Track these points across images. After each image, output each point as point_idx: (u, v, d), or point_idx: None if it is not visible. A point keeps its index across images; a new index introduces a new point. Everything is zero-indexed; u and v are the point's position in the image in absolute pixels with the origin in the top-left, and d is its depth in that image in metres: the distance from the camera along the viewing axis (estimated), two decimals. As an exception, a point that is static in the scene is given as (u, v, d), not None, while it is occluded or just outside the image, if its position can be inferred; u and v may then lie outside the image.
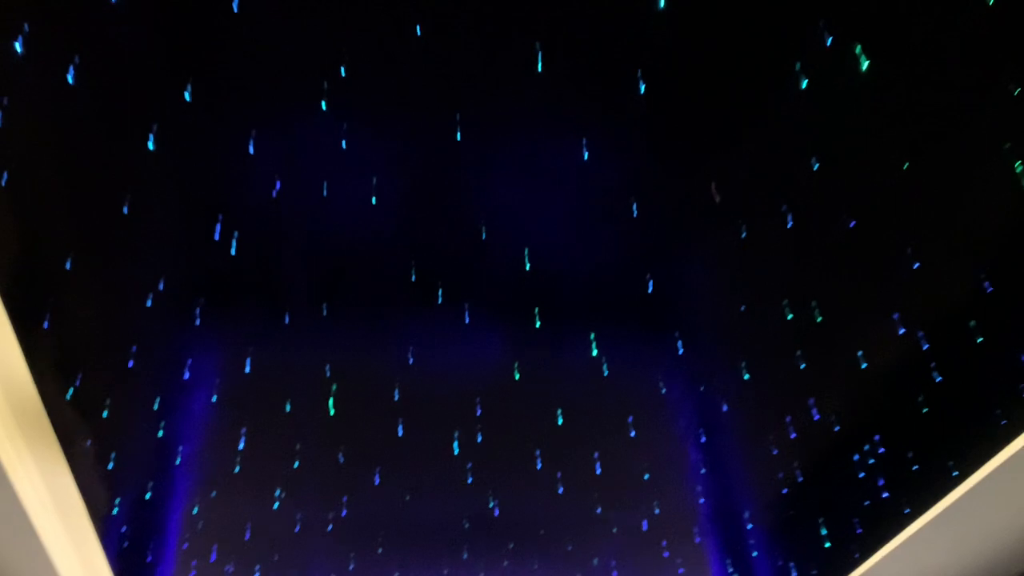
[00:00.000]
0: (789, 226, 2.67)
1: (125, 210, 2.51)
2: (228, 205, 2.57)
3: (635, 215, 2.66)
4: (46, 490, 3.65)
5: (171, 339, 2.99)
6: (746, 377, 3.31)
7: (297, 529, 4.10)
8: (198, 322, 2.92)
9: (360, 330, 3.08)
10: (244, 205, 2.57)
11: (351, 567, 4.47)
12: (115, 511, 3.78)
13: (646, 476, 3.91)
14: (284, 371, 3.19)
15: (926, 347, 3.13)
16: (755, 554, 4.66)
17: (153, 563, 4.25)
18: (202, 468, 3.64)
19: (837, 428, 3.61)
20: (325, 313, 2.94)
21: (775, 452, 3.76)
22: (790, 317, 3.02)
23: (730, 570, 4.87)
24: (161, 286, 2.77)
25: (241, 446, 3.44)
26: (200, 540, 4.14)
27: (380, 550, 4.35)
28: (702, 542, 4.54)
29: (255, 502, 3.86)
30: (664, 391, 3.39)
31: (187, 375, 3.05)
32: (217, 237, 2.63)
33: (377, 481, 3.79)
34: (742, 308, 2.98)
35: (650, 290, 2.89)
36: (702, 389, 3.38)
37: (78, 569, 4.41)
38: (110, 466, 3.48)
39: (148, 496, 3.71)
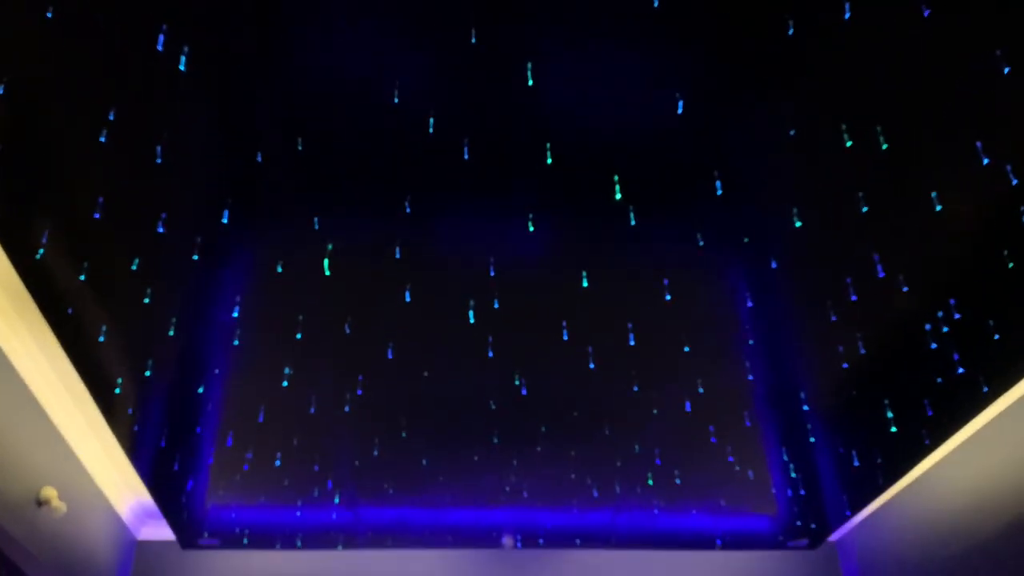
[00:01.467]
0: (846, 16, 2.17)
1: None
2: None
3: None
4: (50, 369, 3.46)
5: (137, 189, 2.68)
6: (797, 224, 2.85)
7: (312, 410, 3.84)
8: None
9: (347, 186, 2.71)
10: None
11: (375, 452, 4.22)
12: (117, 390, 3.56)
13: (686, 348, 3.52)
14: (269, 227, 2.86)
15: (1015, 183, 2.63)
16: (812, 440, 4.26)
17: (168, 448, 4.07)
18: (199, 343, 3.37)
19: (905, 289, 3.14)
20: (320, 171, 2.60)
21: (833, 319, 3.32)
22: (849, 145, 2.54)
23: (784, 458, 4.49)
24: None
25: (235, 313, 3.15)
26: (212, 423, 3.92)
27: (404, 434, 4.08)
28: (753, 426, 4.15)
29: (262, 380, 3.60)
30: (702, 244, 2.96)
31: (161, 228, 2.74)
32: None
33: (390, 355, 3.48)
34: (791, 133, 2.51)
35: (679, 111, 2.43)
36: (746, 241, 2.94)
37: (98, 451, 4.26)
38: (101, 339, 3.23)
39: (148, 373, 3.48)
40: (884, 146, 2.52)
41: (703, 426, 4.15)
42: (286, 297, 3.12)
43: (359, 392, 3.72)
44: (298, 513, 4.90)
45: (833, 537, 5.83)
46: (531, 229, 2.86)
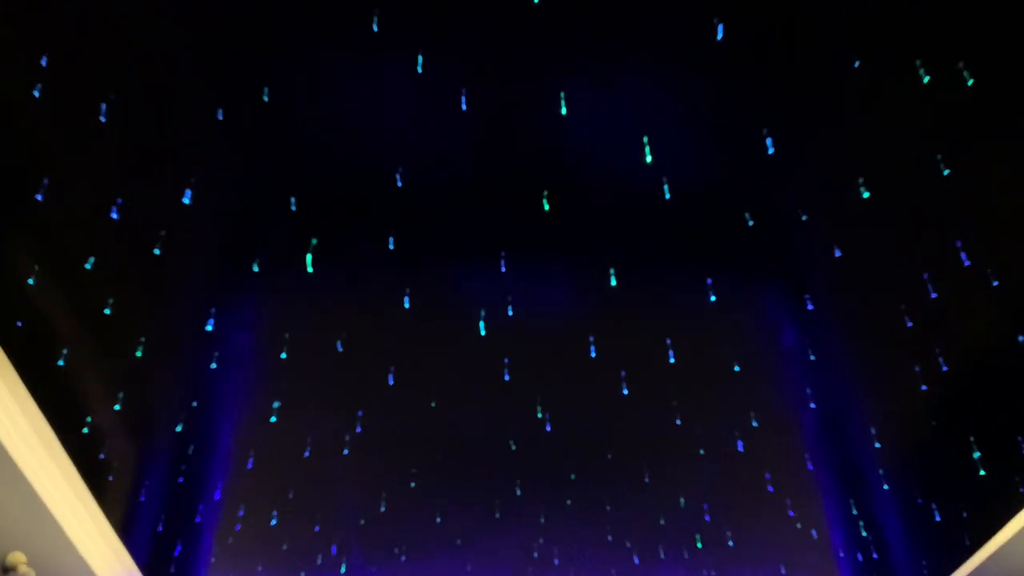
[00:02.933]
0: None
1: None
2: None
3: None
4: None
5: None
6: (865, 195, 2.39)
7: (307, 454, 3.36)
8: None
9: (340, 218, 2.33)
10: None
11: (382, 508, 3.71)
12: (85, 430, 3.13)
13: (736, 367, 3.01)
14: (247, 211, 2.46)
15: None
16: (885, 487, 3.67)
17: (147, 504, 3.60)
18: (172, 370, 2.95)
19: (996, 283, 2.64)
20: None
21: (909, 324, 2.81)
22: (926, 80, 2.10)
23: (853, 511, 3.88)
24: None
25: (209, 327, 2.73)
26: (197, 472, 3.45)
27: (413, 484, 3.57)
28: (816, 471, 3.58)
29: (246, 412, 3.14)
30: (751, 224, 2.50)
31: (116, 214, 2.36)
32: None
33: (392, 381, 3.02)
34: (855, 64, 2.08)
35: (719, 36, 2.03)
36: (804, 219, 2.48)
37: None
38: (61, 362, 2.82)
39: (117, 408, 3.05)
40: (970, 82, 2.07)
41: (758, 471, 3.59)
42: (267, 297, 2.70)
43: (358, 429, 3.24)
44: (301, 585, 4.35)
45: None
46: (546, 208, 2.43)
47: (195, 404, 3.07)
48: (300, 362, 2.93)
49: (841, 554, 4.19)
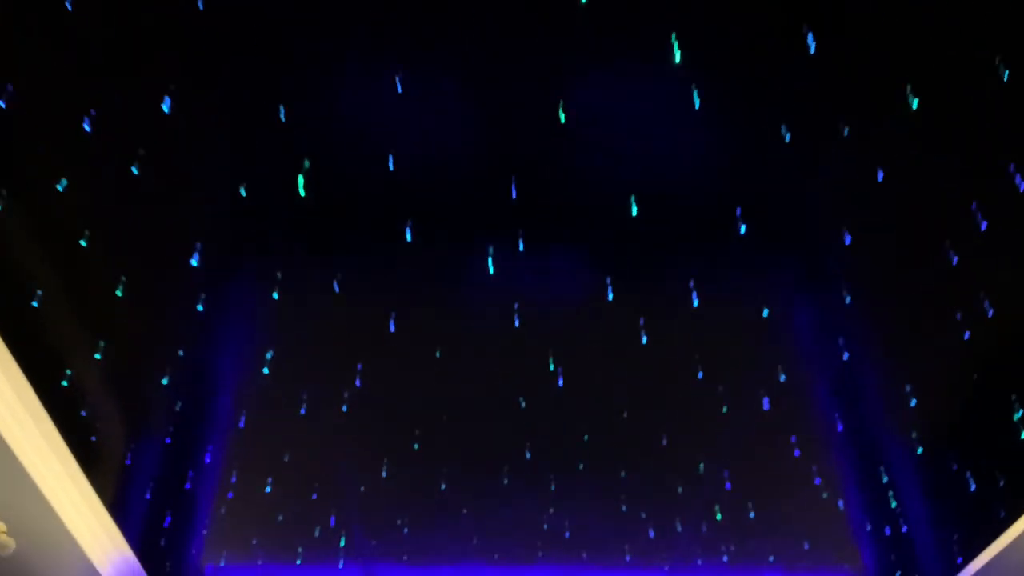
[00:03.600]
0: None
1: None
2: None
3: None
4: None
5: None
6: (914, 105, 2.16)
7: (303, 411, 3.14)
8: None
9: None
10: None
11: (383, 473, 3.48)
12: (64, 383, 2.91)
13: (764, 312, 2.79)
14: (233, 127, 2.24)
15: None
16: (919, 451, 3.44)
17: (134, 469, 3.38)
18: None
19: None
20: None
21: (954, 261, 2.58)
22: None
23: (884, 479, 3.65)
24: None
25: (194, 262, 2.51)
26: (186, 433, 3.23)
27: (416, 446, 3.35)
28: (844, 433, 3.35)
29: (236, 362, 2.92)
30: (788, 139, 2.27)
31: (89, 126, 2.14)
32: None
33: (393, 328, 2.80)
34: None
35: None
36: (846, 133, 2.25)
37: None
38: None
39: (98, 357, 2.83)
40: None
41: (783, 433, 3.36)
42: (254, 219, 2.48)
43: (356, 383, 3.01)
44: (298, 561, 4.13)
45: (937, 597, 4.88)
46: (563, 120, 2.21)
47: (181, 353, 2.85)
48: (293, 304, 2.70)
49: (868, 527, 3.95)
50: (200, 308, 2.67)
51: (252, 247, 2.50)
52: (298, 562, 4.13)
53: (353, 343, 2.87)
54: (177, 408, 3.08)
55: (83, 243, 2.40)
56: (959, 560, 4.24)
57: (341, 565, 4.17)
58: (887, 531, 3.99)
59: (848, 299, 2.71)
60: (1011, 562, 4.22)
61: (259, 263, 2.55)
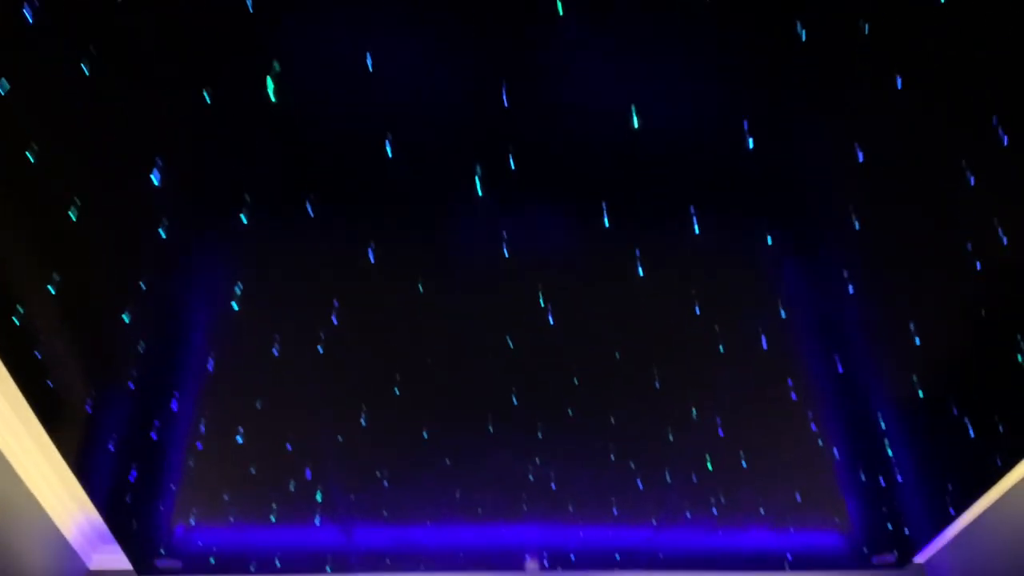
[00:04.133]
0: None
1: None
2: None
3: None
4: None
5: None
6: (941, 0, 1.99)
7: (276, 352, 2.94)
8: None
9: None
10: None
11: (362, 422, 3.30)
12: (15, 319, 2.69)
13: (768, 239, 2.63)
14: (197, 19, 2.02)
15: None
16: (920, 394, 3.31)
17: (95, 417, 3.17)
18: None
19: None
20: None
21: (971, 182, 2.43)
22: None
23: (882, 425, 3.53)
24: None
25: (155, 179, 2.29)
26: (150, 377, 3.03)
27: (397, 391, 3.17)
28: (844, 374, 3.22)
29: (203, 297, 2.71)
30: (802, 41, 2.09)
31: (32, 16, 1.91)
32: None
33: (373, 258, 2.61)
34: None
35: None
36: (866, 31, 2.08)
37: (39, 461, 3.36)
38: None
39: (51, 290, 2.61)
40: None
41: (780, 375, 3.21)
42: (215, 120, 2.27)
43: (333, 319, 2.82)
44: (273, 518, 3.94)
45: (921, 558, 4.81)
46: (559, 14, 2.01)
47: (143, 286, 2.64)
48: (264, 231, 2.50)
49: (862, 476, 3.84)
50: (162, 234, 2.45)
51: (217, 163, 2.29)
52: (272, 519, 3.95)
53: (329, 275, 2.67)
54: (140, 349, 2.87)
55: (30, 156, 2.18)
56: (951, 511, 4.15)
57: (318, 522, 4.00)
58: (881, 481, 3.88)
59: (856, 225, 2.55)
60: (1004, 514, 4.14)
61: (226, 183, 2.35)
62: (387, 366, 3.05)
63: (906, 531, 4.31)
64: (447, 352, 3.00)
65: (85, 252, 2.51)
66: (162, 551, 4.17)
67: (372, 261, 2.60)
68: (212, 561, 4.31)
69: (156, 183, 2.30)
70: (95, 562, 4.58)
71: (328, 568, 4.46)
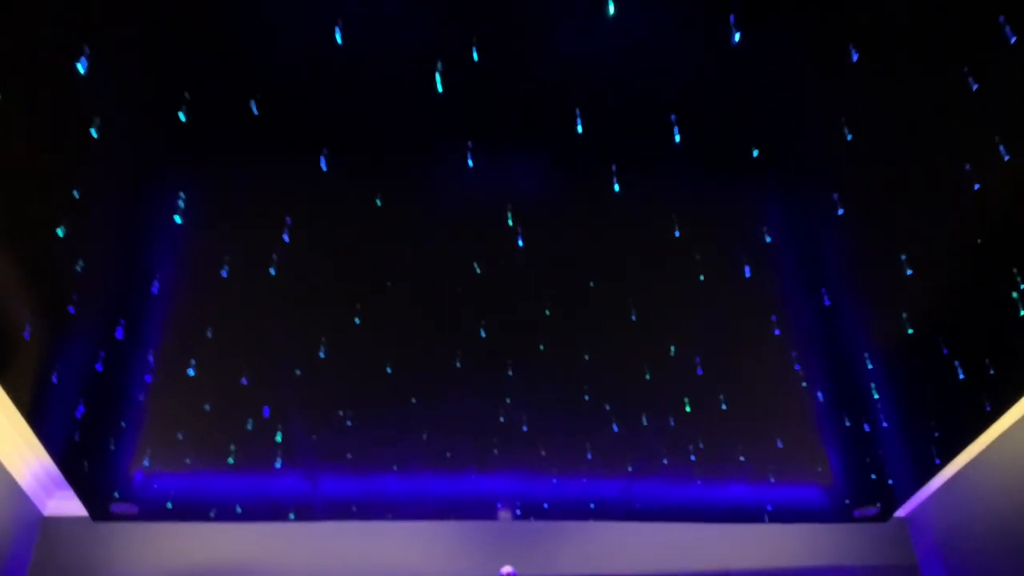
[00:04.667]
0: None
1: None
2: None
3: None
4: None
5: None
6: None
7: (225, 273, 2.74)
8: None
9: None
10: None
11: (321, 354, 3.11)
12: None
13: (755, 151, 2.43)
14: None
15: None
16: (909, 331, 3.15)
17: (33, 345, 2.96)
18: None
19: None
20: None
21: (974, 87, 2.24)
22: None
23: (868, 365, 3.37)
24: None
25: (81, 68, 2.07)
26: (92, 300, 2.81)
27: (358, 320, 2.97)
28: (832, 308, 3.05)
29: (143, 208, 2.50)
30: None
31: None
32: None
33: (325, 166, 2.39)
34: None
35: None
36: None
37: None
38: None
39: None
40: None
41: (764, 308, 3.04)
42: None
43: (285, 239, 2.62)
44: (231, 460, 3.75)
45: (903, 512, 4.70)
46: None
47: (76, 195, 2.42)
48: (208, 133, 2.28)
49: (847, 422, 3.69)
50: (94, 134, 2.23)
51: (153, 53, 2.07)
52: (231, 461, 3.77)
53: (280, 186, 2.46)
54: (79, 268, 2.66)
55: None
56: (937, 461, 4.02)
57: (279, 465, 3.82)
58: (865, 427, 3.73)
59: (849, 135, 2.36)
60: (989, 467, 4.01)
61: (163, 77, 2.12)
62: (344, 292, 2.86)
63: (890, 481, 4.18)
64: (409, 277, 2.81)
65: (10, 155, 2.28)
66: (116, 495, 3.98)
67: (324, 169, 2.39)
68: (169, 506, 4.13)
69: (82, 71, 2.07)
70: (50, 508, 4.40)
71: (291, 516, 4.29)
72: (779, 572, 4.47)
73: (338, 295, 2.87)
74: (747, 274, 2.83)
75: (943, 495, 4.37)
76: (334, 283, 2.82)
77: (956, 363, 3.32)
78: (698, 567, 4.42)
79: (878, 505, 4.46)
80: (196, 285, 2.77)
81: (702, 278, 2.85)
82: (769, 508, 4.43)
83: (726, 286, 2.88)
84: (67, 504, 4.36)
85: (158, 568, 4.19)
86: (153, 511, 4.18)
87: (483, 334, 3.06)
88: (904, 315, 3.08)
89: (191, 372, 3.18)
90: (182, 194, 2.45)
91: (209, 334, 3.00)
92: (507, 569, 4.24)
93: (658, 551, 4.46)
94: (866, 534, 4.65)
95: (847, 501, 4.40)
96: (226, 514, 4.23)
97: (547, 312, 2.98)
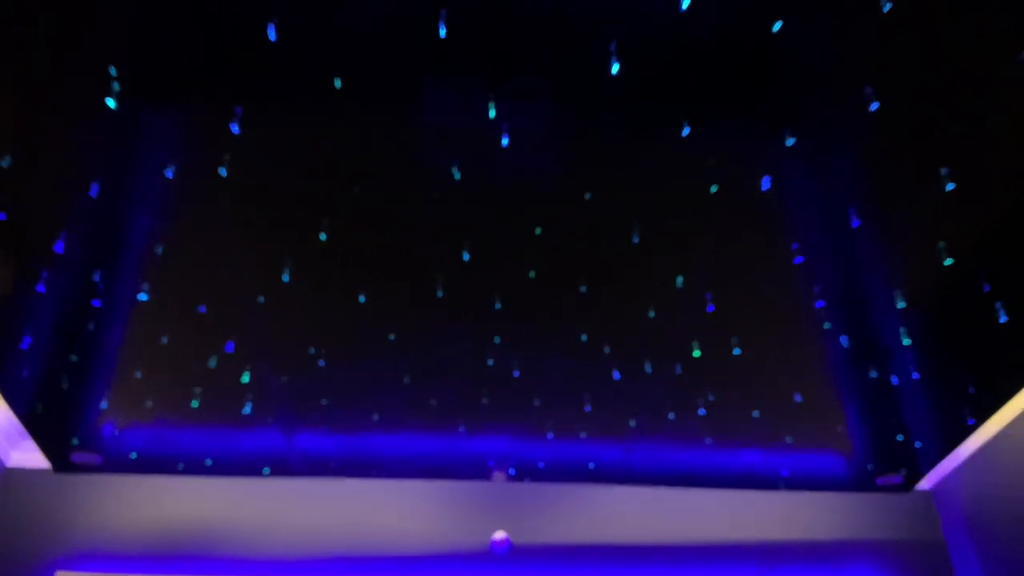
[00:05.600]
0: None
1: None
2: None
3: None
4: None
5: None
6: None
7: (170, 174, 2.40)
8: None
9: None
10: None
11: (285, 277, 2.78)
12: None
13: (775, 26, 2.07)
14: None
15: None
16: (947, 262, 2.79)
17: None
18: None
19: None
20: None
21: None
22: None
23: (899, 303, 3.01)
24: None
25: None
26: (25, 206, 2.50)
27: (323, 236, 2.64)
28: (862, 229, 2.69)
29: (77, 92, 2.17)
30: None
31: None
32: None
33: (272, 35, 2.05)
34: None
35: None
36: None
37: None
38: None
39: None
40: None
41: (784, 232, 2.68)
42: None
43: (234, 129, 2.28)
44: (195, 403, 3.44)
45: (927, 485, 4.33)
46: None
47: (-9, 68, 2.09)
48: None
49: (873, 373, 3.33)
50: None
51: None
52: (194, 404, 3.45)
53: (226, 56, 2.12)
54: (4, 165, 2.34)
55: None
56: (971, 422, 3.65)
57: (248, 410, 3.49)
58: (893, 379, 3.37)
59: (887, 5, 2.00)
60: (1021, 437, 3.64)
61: None
62: (308, 200, 2.52)
63: (917, 444, 3.82)
64: (377, 179, 2.47)
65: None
66: (75, 441, 3.68)
67: (272, 40, 2.05)
68: (134, 456, 3.82)
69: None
70: (13, 460, 4.11)
71: (266, 471, 3.98)
72: (793, 545, 4.12)
73: (299, 204, 2.53)
74: (765, 186, 2.47)
75: (971, 466, 4.00)
76: (292, 188, 2.48)
77: (998, 304, 2.95)
78: (704, 537, 4.08)
79: (903, 472, 4.10)
80: (138, 187, 2.45)
81: (714, 189, 2.49)
82: (784, 474, 4.08)
83: (740, 200, 2.52)
84: (31, 456, 4.07)
85: (124, 522, 3.89)
86: (118, 463, 3.88)
87: (466, 256, 2.72)
88: (941, 243, 2.72)
89: (143, 296, 2.85)
90: (114, 68, 2.12)
91: (159, 250, 2.68)
92: (500, 535, 3.92)
93: (663, 518, 4.12)
94: (889, 505, 4.29)
95: (870, 467, 4.04)
96: (195, 467, 3.92)
97: (537, 231, 2.64)
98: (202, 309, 2.91)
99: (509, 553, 3.99)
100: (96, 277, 2.76)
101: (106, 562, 3.83)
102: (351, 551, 3.91)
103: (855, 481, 4.17)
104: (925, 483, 4.34)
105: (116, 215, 2.54)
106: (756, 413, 3.60)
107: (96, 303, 2.86)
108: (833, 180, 2.48)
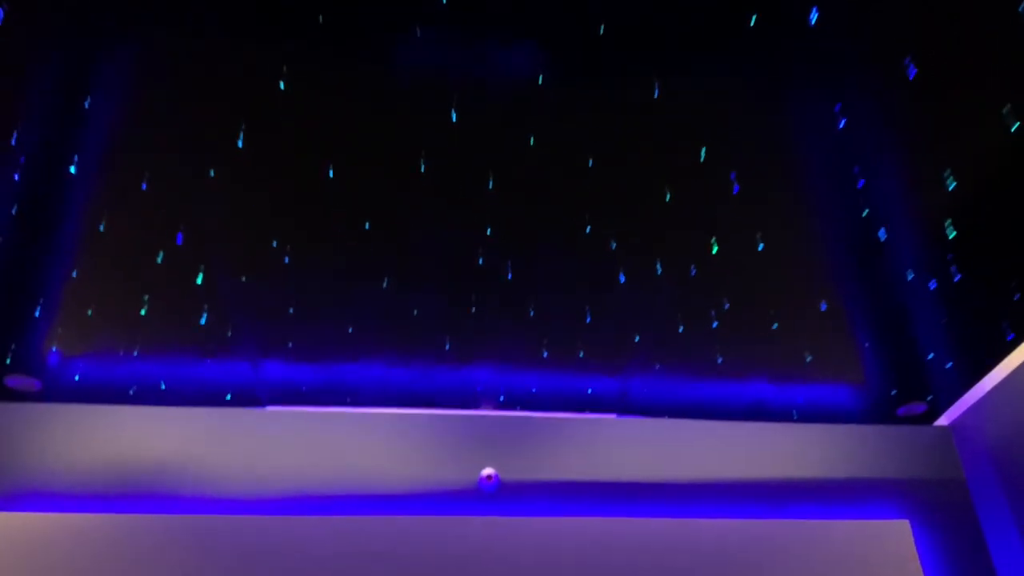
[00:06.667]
0: None
1: None
2: None
3: None
4: None
5: None
6: None
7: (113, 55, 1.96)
8: None
9: None
10: None
11: (239, 142, 2.35)
12: None
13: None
14: None
15: None
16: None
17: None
18: None
19: None
20: None
21: None
22: None
23: (951, 184, 2.64)
24: None
25: None
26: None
27: (282, 85, 2.21)
28: (919, 75, 2.30)
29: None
30: None
31: None
32: None
33: None
34: None
35: None
36: None
37: None
38: None
39: None
40: None
41: (820, 88, 2.28)
42: None
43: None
44: (143, 311, 3.01)
45: (945, 421, 3.99)
46: None
47: None
48: None
49: (910, 274, 2.95)
50: None
51: None
52: (143, 312, 3.02)
53: None
54: None
55: None
56: (1011, 336, 3.30)
57: (204, 320, 3.07)
58: (932, 284, 2.99)
59: None
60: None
61: None
62: (261, 54, 2.09)
63: (948, 365, 3.46)
64: (353, 10, 2.04)
65: None
66: (8, 361, 3.24)
67: None
68: (77, 379, 3.39)
69: None
70: (-57, 391, 3.65)
71: (228, 397, 3.56)
72: (805, 482, 3.77)
73: (251, 44, 2.10)
74: (812, 22, 2.07)
75: (994, 400, 3.65)
76: (244, 24, 2.04)
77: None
78: (709, 473, 3.72)
79: (928, 400, 3.75)
80: (77, 64, 2.00)
81: (753, 21, 2.08)
82: (800, 401, 3.72)
83: (782, 38, 2.12)
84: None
85: (67, 457, 3.46)
86: (59, 389, 3.44)
87: (454, 116, 2.30)
88: (1007, 106, 2.33)
89: (72, 169, 2.42)
90: None
91: (87, 104, 2.23)
92: (488, 471, 3.54)
93: (666, 452, 3.75)
94: (907, 439, 3.94)
95: (893, 392, 3.68)
96: (148, 395, 3.49)
97: (539, 78, 2.22)
98: (143, 186, 2.48)
99: (498, 490, 3.61)
100: (13, 142, 2.32)
101: (47, 501, 3.40)
102: (323, 489, 3.51)
103: (874, 411, 3.82)
104: (944, 419, 4.00)
105: (49, 88, 2.09)
106: (775, 325, 3.22)
107: (16, 177, 2.42)
108: (886, 18, 2.08)
